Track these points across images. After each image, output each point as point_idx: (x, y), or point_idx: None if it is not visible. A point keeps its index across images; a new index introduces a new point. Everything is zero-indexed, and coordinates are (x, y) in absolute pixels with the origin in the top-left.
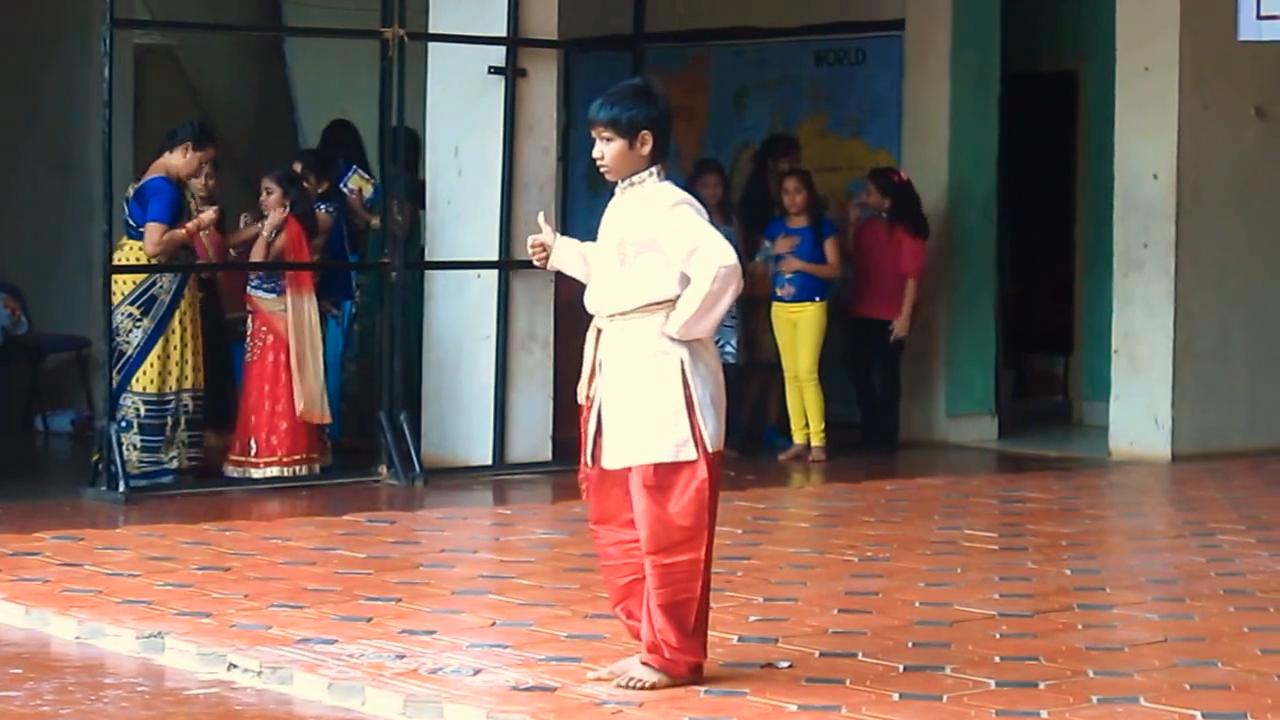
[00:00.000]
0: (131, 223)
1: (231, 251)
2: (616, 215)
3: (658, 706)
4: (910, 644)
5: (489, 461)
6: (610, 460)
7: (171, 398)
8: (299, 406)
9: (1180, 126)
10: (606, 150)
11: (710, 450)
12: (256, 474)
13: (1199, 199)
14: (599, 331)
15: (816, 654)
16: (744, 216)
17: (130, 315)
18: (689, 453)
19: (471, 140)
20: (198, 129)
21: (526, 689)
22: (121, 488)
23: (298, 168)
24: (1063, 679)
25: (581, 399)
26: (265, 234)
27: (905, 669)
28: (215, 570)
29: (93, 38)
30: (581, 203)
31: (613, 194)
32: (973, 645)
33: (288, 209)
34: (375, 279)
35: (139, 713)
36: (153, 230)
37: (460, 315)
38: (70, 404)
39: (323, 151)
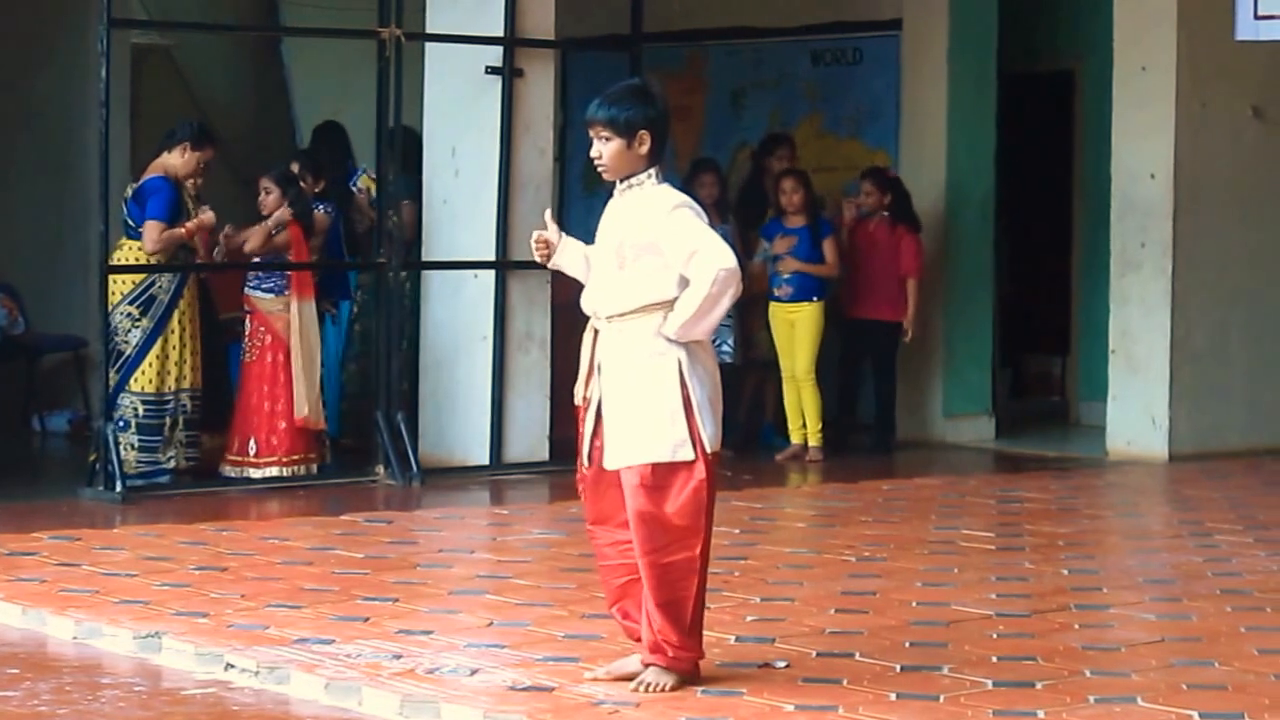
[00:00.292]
0: (130, 223)
1: (215, 255)
2: (615, 217)
3: (655, 706)
4: (907, 644)
5: (486, 461)
6: (608, 460)
7: (170, 397)
8: (298, 412)
9: (1177, 126)
10: (605, 150)
11: (708, 451)
12: (255, 474)
13: (1196, 199)
14: (596, 333)
15: (814, 654)
16: (740, 216)
17: (129, 315)
18: (686, 453)
19: (468, 140)
20: (196, 129)
21: (523, 689)
22: (119, 488)
23: (295, 168)
24: (1060, 679)
25: (578, 400)
26: (270, 225)
27: (902, 669)
28: (212, 570)
29: (90, 38)
30: (578, 203)
31: (610, 195)
32: (970, 645)
33: (288, 209)
34: (378, 279)
35: (136, 713)
36: (151, 228)
37: (457, 315)
38: (67, 404)
39: (313, 152)
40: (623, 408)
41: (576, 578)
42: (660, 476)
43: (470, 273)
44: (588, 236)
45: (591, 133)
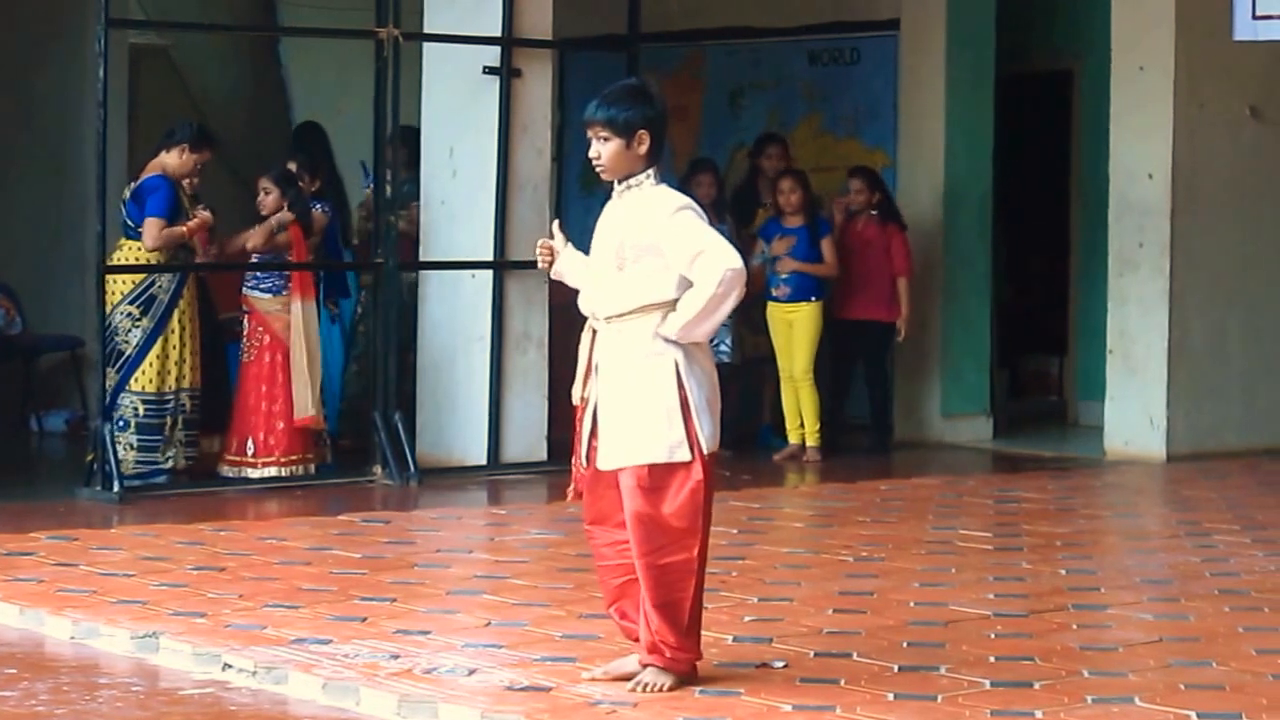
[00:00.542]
0: (130, 223)
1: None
2: (614, 218)
3: (653, 706)
4: (905, 644)
5: (484, 461)
6: (605, 461)
7: (171, 397)
8: (303, 413)
9: (1175, 126)
10: (603, 150)
11: (706, 452)
12: (253, 474)
13: (1194, 199)
14: (594, 333)
15: (811, 654)
16: (734, 215)
17: (129, 315)
18: (684, 454)
19: (466, 140)
20: (196, 131)
21: (521, 689)
22: (116, 488)
23: (292, 167)
24: (1058, 679)
25: (576, 400)
26: (273, 223)
27: (900, 669)
28: (210, 570)
29: (88, 38)
30: (576, 203)
31: (608, 196)
32: (967, 645)
33: (287, 209)
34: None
35: (134, 713)
36: (151, 225)
37: (455, 315)
38: (65, 404)
39: (294, 153)
40: (620, 408)
41: (574, 578)
42: (657, 477)
43: (468, 273)
44: (585, 237)
45: (590, 133)
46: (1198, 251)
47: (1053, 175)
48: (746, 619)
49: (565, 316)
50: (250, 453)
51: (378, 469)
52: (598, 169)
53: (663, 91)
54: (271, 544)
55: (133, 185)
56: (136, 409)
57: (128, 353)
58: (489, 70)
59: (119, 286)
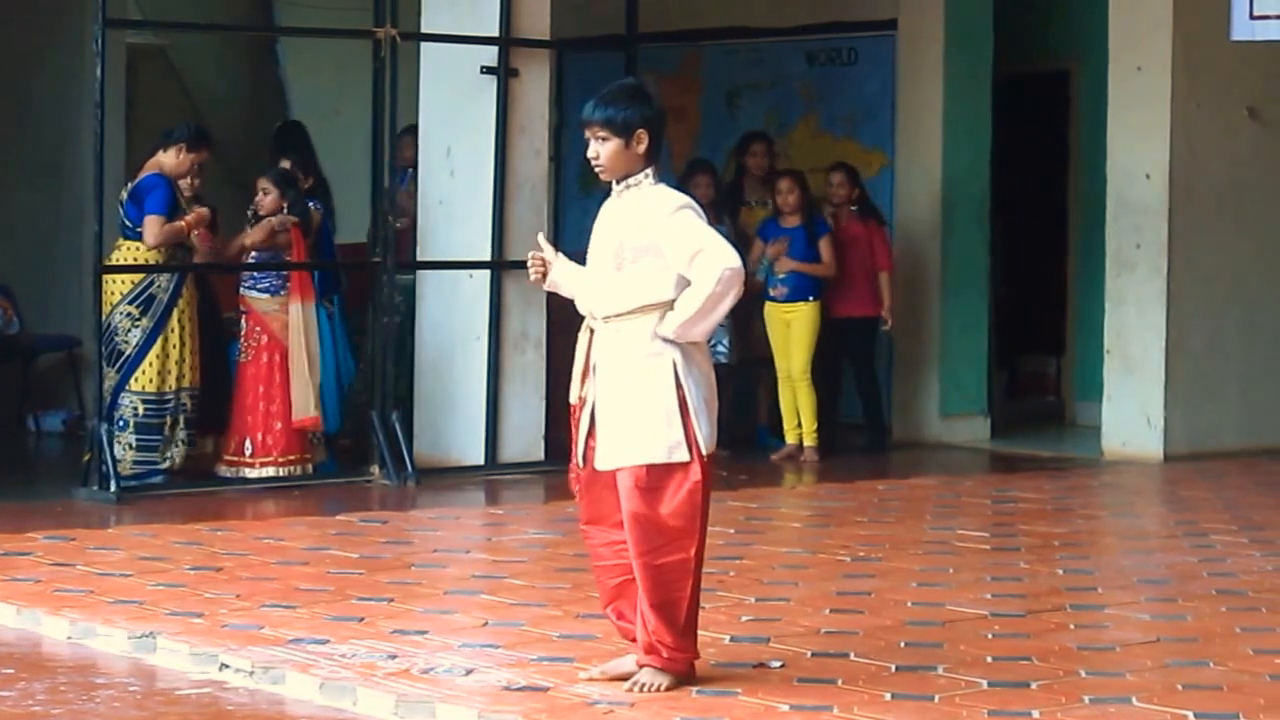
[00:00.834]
0: (128, 224)
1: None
2: (613, 218)
3: (650, 706)
4: (902, 644)
5: (481, 461)
6: (603, 461)
7: (171, 397)
8: (303, 413)
9: (1173, 126)
10: (602, 150)
11: (705, 452)
12: (251, 474)
13: (1191, 199)
14: (591, 333)
15: (809, 654)
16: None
17: (129, 315)
18: (682, 454)
19: (464, 140)
20: (193, 131)
21: (518, 689)
22: (113, 488)
23: (286, 165)
24: (1055, 679)
25: (573, 399)
26: (275, 223)
27: (897, 669)
28: (207, 570)
29: (85, 38)
30: (573, 203)
31: (606, 196)
32: (965, 645)
33: (286, 210)
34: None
35: (131, 713)
36: (151, 223)
37: (453, 315)
38: (62, 404)
39: (275, 152)
40: (618, 409)
41: (571, 578)
42: (655, 478)
43: (466, 273)
44: (583, 237)
45: (588, 133)
46: (1195, 252)
47: (1050, 175)
48: (744, 619)
49: (563, 316)
50: (248, 453)
51: (375, 469)
52: (596, 169)
53: (659, 91)
54: (269, 544)
55: (130, 186)
56: (136, 409)
57: (127, 353)
58: (486, 70)
59: (117, 286)
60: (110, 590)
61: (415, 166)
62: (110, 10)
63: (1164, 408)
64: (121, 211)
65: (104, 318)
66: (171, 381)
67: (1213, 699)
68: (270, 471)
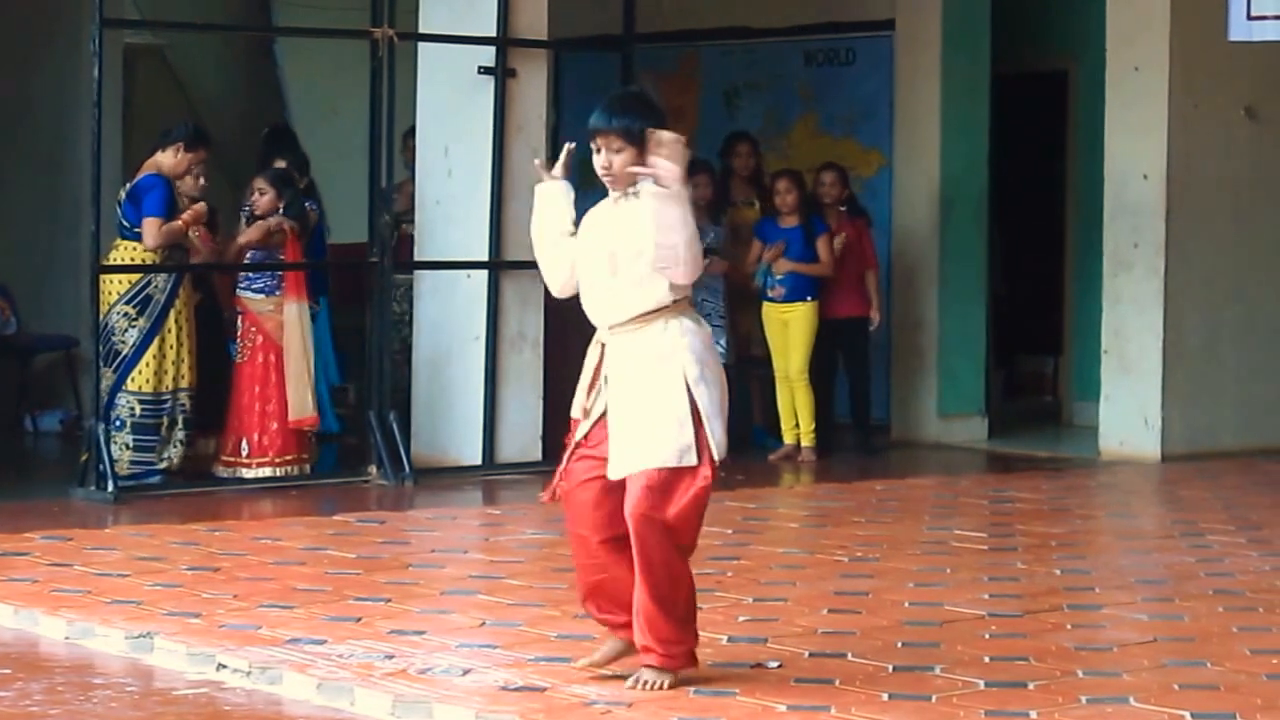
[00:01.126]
0: (126, 223)
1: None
2: (609, 224)
3: (647, 706)
4: (899, 644)
5: (478, 461)
6: (616, 470)
7: (168, 397)
8: (299, 413)
9: (1170, 126)
10: (615, 160)
11: (717, 458)
12: (247, 474)
13: (1189, 199)
14: (603, 346)
15: (806, 654)
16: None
17: (126, 315)
18: (692, 458)
19: (461, 140)
20: (192, 131)
21: (516, 689)
22: (110, 488)
23: (281, 164)
24: (1052, 679)
25: (576, 413)
26: (272, 224)
27: (894, 669)
28: (205, 570)
29: (83, 38)
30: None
31: (604, 194)
32: (962, 645)
33: (282, 210)
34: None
35: (128, 713)
36: (150, 225)
37: (450, 315)
38: (59, 404)
39: (265, 155)
40: (631, 416)
41: (568, 578)
42: (666, 481)
43: (463, 273)
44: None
45: (601, 142)
46: (1192, 251)
47: (1048, 175)
48: (741, 619)
49: (560, 316)
50: (244, 453)
51: (373, 469)
52: (606, 179)
53: (658, 91)
54: (266, 544)
55: (128, 186)
56: (133, 409)
57: (124, 352)
58: (484, 70)
59: (115, 286)
60: (107, 590)
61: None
62: (108, 10)
63: (1161, 407)
64: (120, 211)
65: (101, 317)
66: (168, 382)
67: (1210, 699)
68: (267, 472)
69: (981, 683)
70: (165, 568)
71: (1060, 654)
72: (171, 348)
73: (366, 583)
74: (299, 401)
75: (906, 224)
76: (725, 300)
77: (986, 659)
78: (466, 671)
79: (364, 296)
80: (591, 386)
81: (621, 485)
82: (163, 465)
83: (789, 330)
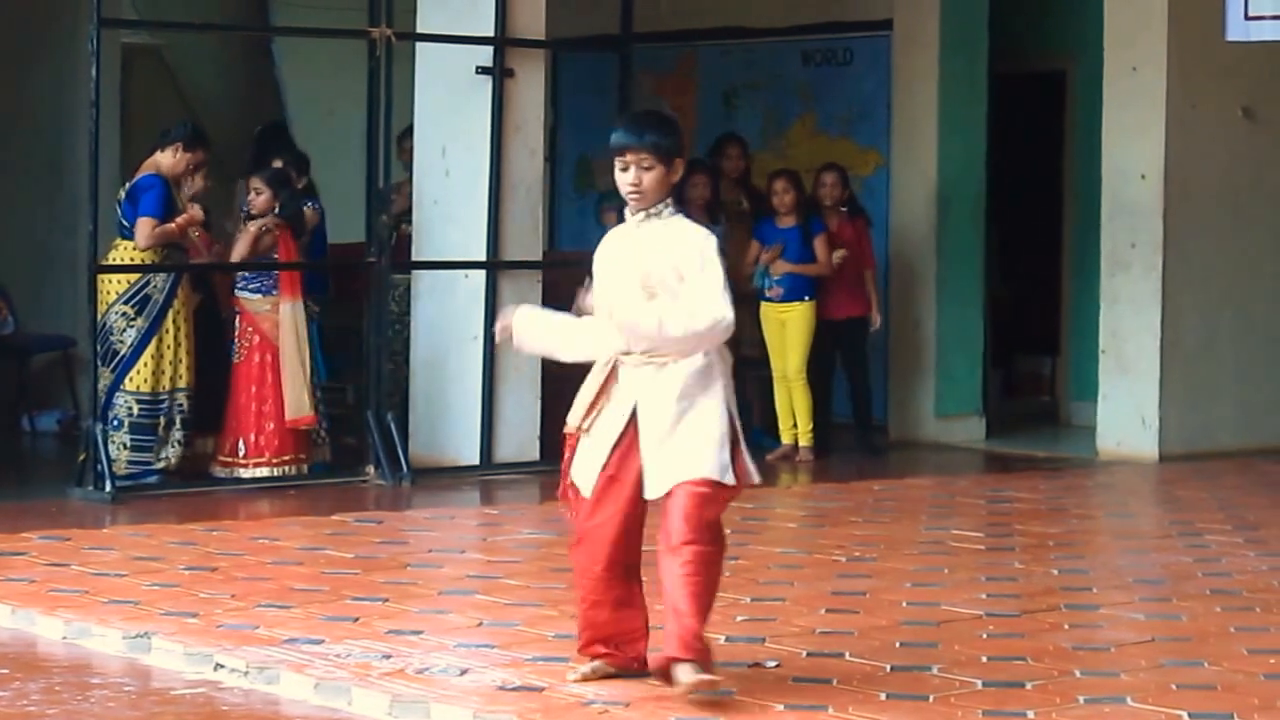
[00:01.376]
0: (125, 223)
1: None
2: (636, 247)
3: (644, 706)
4: (897, 644)
5: (476, 461)
6: (653, 490)
7: (165, 397)
8: (295, 413)
9: (1168, 126)
10: (646, 178)
11: (750, 483)
12: (244, 474)
13: (1186, 199)
14: (613, 367)
15: (804, 654)
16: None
17: (124, 314)
18: (731, 478)
19: (459, 140)
20: (190, 131)
21: (513, 689)
22: (108, 488)
23: (279, 164)
24: (1050, 679)
25: (571, 428)
26: (254, 229)
27: (892, 669)
28: (202, 570)
29: (80, 37)
30: (568, 204)
31: (602, 198)
32: (960, 645)
33: (278, 210)
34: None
35: (125, 713)
36: (143, 225)
37: (448, 315)
38: (57, 404)
39: (259, 155)
40: (672, 434)
41: (566, 578)
42: (705, 504)
43: (461, 273)
44: (578, 237)
45: (630, 159)
46: (1190, 251)
47: (1046, 175)
48: (739, 619)
49: None
50: (241, 454)
51: (370, 469)
52: (633, 197)
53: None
54: (264, 544)
55: (127, 185)
56: (131, 409)
57: (122, 352)
58: (482, 70)
59: (113, 286)
60: (105, 590)
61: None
62: (105, 10)
63: (1159, 407)
64: (119, 211)
65: (99, 317)
66: (166, 382)
67: (1207, 699)
68: (264, 472)
69: (979, 682)
70: (163, 568)
71: (1058, 654)
72: (169, 348)
73: (364, 582)
74: (295, 401)
75: (904, 224)
76: None
77: (984, 659)
78: (464, 671)
79: (359, 296)
80: (593, 406)
81: (639, 515)
82: (160, 465)
83: (786, 330)
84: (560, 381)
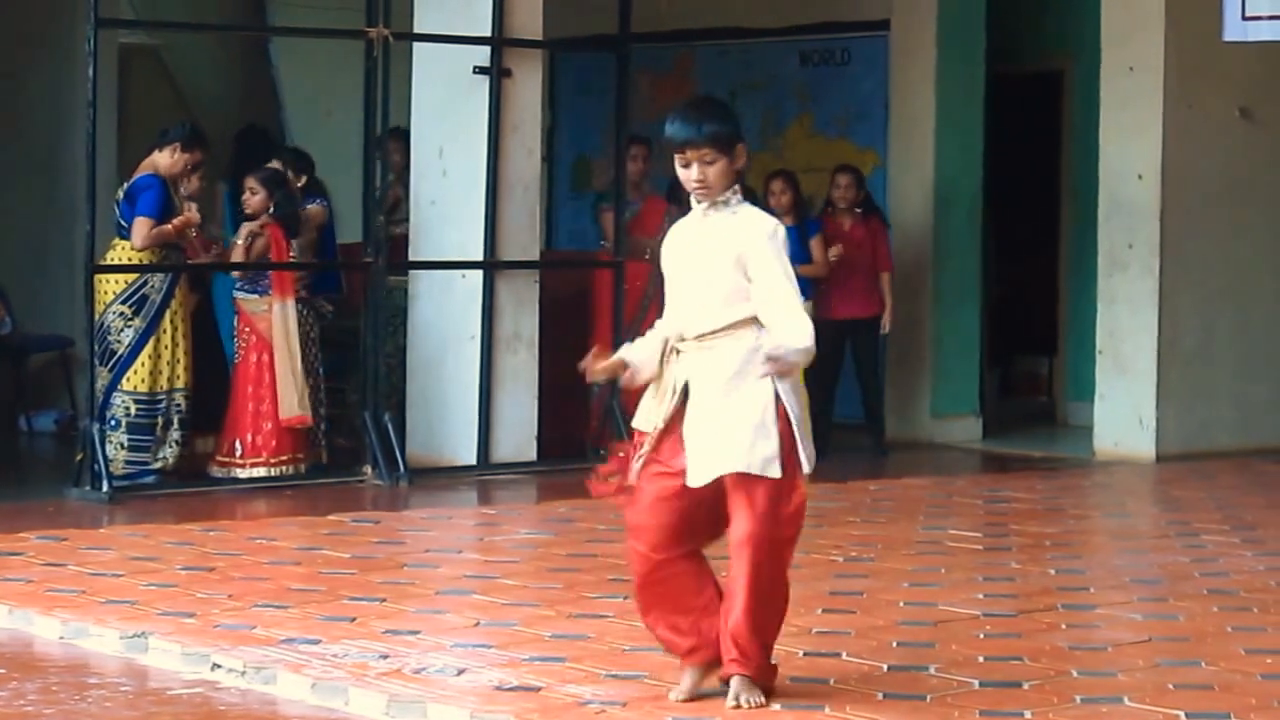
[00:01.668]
0: (123, 223)
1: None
2: (699, 238)
3: (642, 706)
4: (895, 644)
5: (474, 461)
6: (698, 475)
7: (163, 397)
8: (288, 412)
9: (1165, 127)
10: (710, 171)
11: (807, 470)
12: (241, 474)
13: (1183, 199)
14: (676, 353)
15: (801, 653)
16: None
17: (121, 314)
18: (776, 469)
19: (456, 140)
20: (189, 131)
21: (510, 689)
22: (105, 487)
23: (276, 164)
24: (1047, 679)
25: (647, 425)
26: (240, 240)
27: (889, 669)
28: (199, 570)
29: (78, 37)
30: (565, 204)
31: (600, 197)
32: (957, 645)
33: (272, 210)
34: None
35: (123, 713)
36: (140, 225)
37: (445, 315)
38: (54, 404)
39: (238, 157)
40: (716, 421)
41: (564, 578)
42: (774, 498)
43: (458, 273)
44: (576, 236)
45: (691, 155)
46: (1187, 251)
47: (1043, 175)
48: None
49: (555, 315)
50: (238, 454)
51: (368, 469)
52: (699, 192)
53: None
54: (261, 544)
55: (126, 185)
56: (128, 409)
57: (120, 352)
58: (479, 70)
59: (111, 286)
60: (102, 590)
61: (402, 170)
62: (103, 10)
63: (1156, 407)
64: (117, 211)
65: (96, 317)
66: (164, 382)
67: (1204, 699)
68: (261, 472)
69: (976, 682)
70: (160, 568)
71: (1055, 654)
72: (167, 348)
73: (361, 582)
74: (288, 400)
75: (901, 224)
76: None
77: (981, 659)
78: (461, 671)
79: (356, 296)
80: (664, 397)
81: (696, 504)
82: (158, 465)
83: None
84: (559, 381)
